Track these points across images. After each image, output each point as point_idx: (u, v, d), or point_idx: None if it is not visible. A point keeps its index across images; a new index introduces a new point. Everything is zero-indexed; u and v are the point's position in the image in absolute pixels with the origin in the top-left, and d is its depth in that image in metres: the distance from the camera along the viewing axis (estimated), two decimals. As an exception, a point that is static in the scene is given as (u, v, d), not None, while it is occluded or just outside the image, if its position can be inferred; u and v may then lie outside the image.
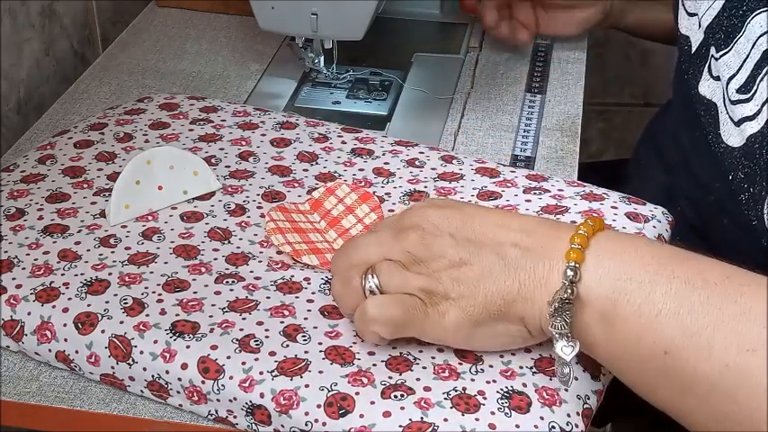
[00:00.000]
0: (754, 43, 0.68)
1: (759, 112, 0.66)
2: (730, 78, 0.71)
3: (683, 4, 0.83)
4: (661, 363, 0.56)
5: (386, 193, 0.80)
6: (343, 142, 0.87)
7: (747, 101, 0.67)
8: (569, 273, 0.58)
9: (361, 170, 0.83)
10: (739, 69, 0.69)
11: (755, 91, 0.67)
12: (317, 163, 0.84)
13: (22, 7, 0.96)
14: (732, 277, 0.56)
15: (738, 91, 0.69)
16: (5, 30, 0.94)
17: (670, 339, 0.55)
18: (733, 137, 0.69)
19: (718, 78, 0.73)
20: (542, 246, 0.60)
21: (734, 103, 0.69)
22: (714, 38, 0.75)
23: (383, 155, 0.85)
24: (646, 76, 1.61)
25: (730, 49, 0.71)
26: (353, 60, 1.07)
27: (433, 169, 0.83)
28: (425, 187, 0.80)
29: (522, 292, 0.60)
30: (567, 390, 0.62)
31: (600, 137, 1.63)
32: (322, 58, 1.04)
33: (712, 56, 0.75)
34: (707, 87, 0.75)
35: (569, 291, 0.58)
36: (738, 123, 0.69)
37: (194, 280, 0.70)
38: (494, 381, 0.62)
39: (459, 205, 0.65)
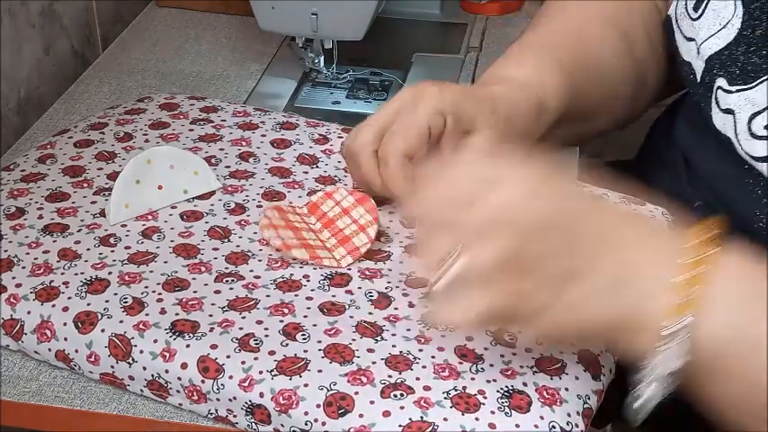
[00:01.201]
0: None
1: None
2: (755, 114, 0.70)
3: (680, 28, 0.81)
4: None
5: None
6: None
7: None
8: (686, 321, 0.54)
9: (361, 170, 0.83)
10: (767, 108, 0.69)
11: None
12: (317, 166, 0.84)
13: (22, 7, 0.96)
14: None
15: None
16: (5, 30, 0.94)
17: None
18: (759, 165, 0.69)
19: (728, 112, 0.73)
20: (652, 282, 0.56)
21: (760, 138, 0.69)
22: (725, 70, 0.74)
23: (383, 155, 0.85)
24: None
25: (753, 87, 0.71)
26: (353, 60, 1.07)
27: (433, 169, 0.83)
28: (425, 187, 0.80)
29: (623, 324, 0.56)
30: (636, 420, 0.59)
31: (600, 137, 1.62)
32: (322, 58, 1.04)
33: (720, 87, 0.74)
34: (719, 121, 0.74)
35: (685, 343, 0.55)
36: (763, 160, 0.68)
37: (194, 279, 0.70)
38: (494, 380, 0.62)
39: (556, 213, 0.57)
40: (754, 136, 0.70)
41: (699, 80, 0.77)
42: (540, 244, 0.55)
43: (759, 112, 0.70)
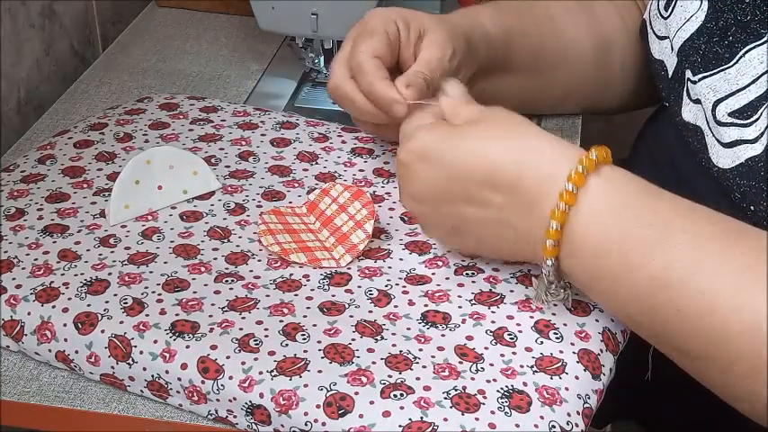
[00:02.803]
0: (756, 79, 0.69)
1: (760, 136, 0.68)
2: (717, 101, 0.71)
3: (653, 28, 0.83)
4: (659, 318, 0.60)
5: (386, 193, 0.80)
6: (344, 142, 0.87)
7: (746, 125, 0.68)
8: (555, 225, 0.61)
9: (361, 170, 0.83)
10: (730, 95, 0.70)
11: (758, 118, 0.68)
12: (316, 163, 0.84)
13: (22, 7, 0.96)
14: (729, 232, 0.59)
15: (732, 115, 0.70)
16: (5, 30, 0.94)
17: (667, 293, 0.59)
18: (723, 158, 0.70)
19: (697, 102, 0.74)
20: (532, 197, 0.63)
21: (724, 125, 0.70)
22: (689, 60, 0.75)
23: (383, 154, 0.85)
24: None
25: (713, 74, 0.72)
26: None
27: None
28: (425, 187, 0.80)
29: (517, 236, 0.65)
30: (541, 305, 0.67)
31: (600, 137, 1.62)
32: (322, 58, 1.04)
33: (689, 79, 0.75)
34: (689, 112, 0.75)
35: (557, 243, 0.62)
36: (730, 145, 0.69)
37: (194, 279, 0.70)
38: (494, 380, 0.62)
39: (451, 137, 0.66)
40: (719, 123, 0.70)
41: (671, 75, 0.78)
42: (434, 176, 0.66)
43: (721, 99, 0.70)
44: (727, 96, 0.70)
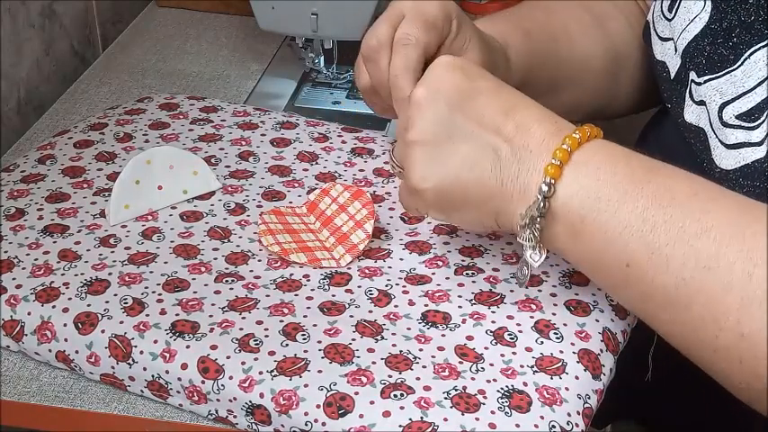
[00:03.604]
0: (762, 82, 0.69)
1: (766, 138, 0.68)
2: (724, 104, 0.71)
3: (656, 30, 0.83)
4: (623, 273, 0.60)
5: (386, 193, 0.80)
6: (344, 142, 0.87)
7: (753, 128, 0.68)
8: (544, 188, 0.61)
9: (361, 170, 0.83)
10: (737, 98, 0.70)
11: (763, 120, 0.68)
12: (316, 163, 0.84)
13: (22, 7, 0.96)
14: (700, 194, 0.60)
15: (739, 117, 0.70)
16: (5, 30, 0.94)
17: (632, 254, 0.60)
18: (726, 159, 0.70)
19: (701, 103, 0.74)
20: (532, 150, 0.62)
21: (730, 127, 0.70)
22: (693, 62, 0.75)
23: (383, 154, 0.85)
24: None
25: (719, 77, 0.72)
26: (353, 60, 1.06)
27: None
28: (425, 187, 0.80)
29: (502, 192, 0.63)
30: (521, 286, 0.69)
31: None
32: (322, 58, 1.04)
33: (693, 80, 0.75)
34: (692, 114, 0.75)
35: (542, 206, 0.61)
36: (734, 147, 0.69)
37: (194, 279, 0.69)
38: (494, 380, 0.62)
39: (475, 75, 0.66)
40: (725, 125, 0.70)
41: (673, 77, 0.78)
42: (439, 105, 0.64)
43: (728, 102, 0.71)
44: (733, 99, 0.70)
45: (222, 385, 0.62)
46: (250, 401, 0.62)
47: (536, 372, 0.63)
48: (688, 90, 0.76)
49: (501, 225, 0.65)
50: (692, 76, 0.75)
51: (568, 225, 0.62)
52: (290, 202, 0.79)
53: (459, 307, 0.68)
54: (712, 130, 0.72)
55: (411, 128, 0.65)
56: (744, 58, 0.71)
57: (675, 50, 0.79)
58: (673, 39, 0.80)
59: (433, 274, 0.71)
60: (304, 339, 0.64)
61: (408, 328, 0.66)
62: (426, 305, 0.68)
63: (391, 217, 0.77)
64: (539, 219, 0.62)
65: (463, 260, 0.72)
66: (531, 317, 0.67)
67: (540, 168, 0.62)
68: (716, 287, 0.57)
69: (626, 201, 0.60)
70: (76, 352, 0.66)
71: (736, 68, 0.71)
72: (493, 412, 0.60)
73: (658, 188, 0.60)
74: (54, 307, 0.67)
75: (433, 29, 0.74)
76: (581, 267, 0.65)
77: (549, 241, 0.63)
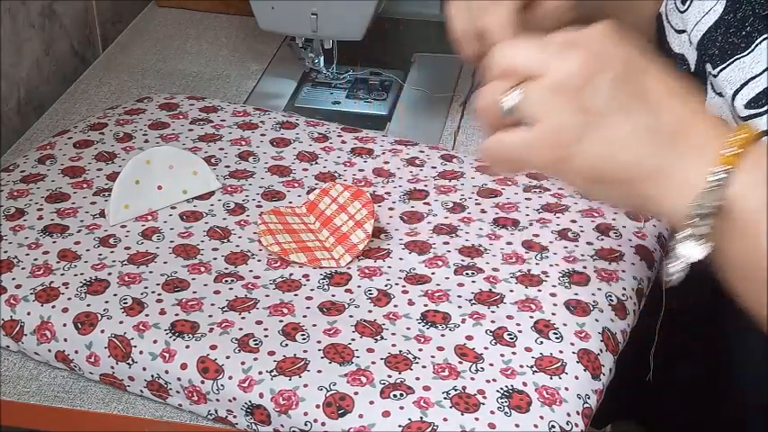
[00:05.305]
0: None
1: None
2: (735, 92, 0.71)
3: (669, 22, 0.83)
4: None
5: (386, 193, 0.80)
6: (343, 142, 0.87)
7: (763, 113, 0.68)
8: (722, 175, 0.56)
9: (361, 170, 0.83)
10: (744, 84, 0.70)
11: None
12: (316, 163, 0.84)
13: (22, 7, 0.96)
14: None
15: (747, 106, 0.69)
16: (5, 30, 0.94)
17: None
18: None
19: (721, 95, 0.74)
20: (701, 139, 0.58)
21: (744, 118, 0.70)
22: (708, 54, 0.75)
23: (383, 154, 0.85)
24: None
25: (728, 65, 0.72)
26: (353, 60, 1.07)
27: (434, 168, 0.83)
28: (425, 186, 0.80)
29: (659, 176, 0.58)
30: (670, 282, 0.59)
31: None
32: (322, 58, 1.04)
33: (710, 73, 0.75)
34: (714, 105, 0.75)
35: (717, 196, 0.56)
36: None
37: (194, 279, 0.69)
38: (494, 380, 0.62)
39: (641, 51, 0.61)
40: (740, 117, 0.70)
41: (693, 70, 0.78)
42: (607, 74, 0.58)
43: (738, 90, 0.71)
44: (741, 87, 0.70)
45: (222, 385, 0.62)
46: (250, 401, 0.62)
47: (536, 372, 0.63)
48: (708, 82, 0.76)
49: (649, 208, 0.61)
50: (709, 68, 0.75)
51: (740, 222, 0.57)
52: (290, 202, 0.79)
53: (459, 307, 0.68)
54: (735, 121, 0.72)
55: (580, 92, 0.58)
56: (755, 44, 0.70)
57: (690, 43, 0.78)
58: (687, 31, 0.79)
59: (433, 273, 0.71)
60: (303, 339, 0.64)
61: (408, 328, 0.66)
62: (426, 305, 0.68)
63: (391, 217, 0.77)
64: (711, 210, 0.56)
65: (463, 260, 0.72)
66: (531, 317, 0.67)
67: (713, 158, 0.57)
68: None
69: None
70: (76, 352, 0.66)
71: (746, 55, 0.71)
72: (492, 412, 0.60)
73: None
74: (54, 307, 0.67)
75: None
76: (738, 269, 0.59)
77: (713, 239, 0.57)
